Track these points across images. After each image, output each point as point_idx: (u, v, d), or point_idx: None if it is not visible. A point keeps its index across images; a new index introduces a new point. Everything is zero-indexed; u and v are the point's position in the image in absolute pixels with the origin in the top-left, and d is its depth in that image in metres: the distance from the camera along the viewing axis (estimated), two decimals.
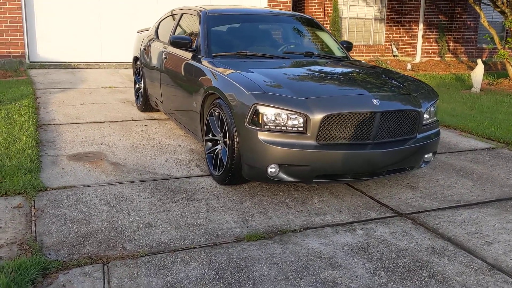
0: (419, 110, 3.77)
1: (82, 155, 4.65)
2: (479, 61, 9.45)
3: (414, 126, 3.78)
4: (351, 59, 5.05)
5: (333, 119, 3.46)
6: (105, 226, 3.17)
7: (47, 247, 2.89)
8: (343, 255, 2.91)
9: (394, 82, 4.11)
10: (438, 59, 14.39)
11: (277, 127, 3.47)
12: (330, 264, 2.80)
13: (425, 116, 3.89)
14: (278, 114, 3.46)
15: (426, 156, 3.91)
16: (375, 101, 3.55)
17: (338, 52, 5.12)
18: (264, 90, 3.57)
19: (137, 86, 6.82)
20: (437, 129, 4.06)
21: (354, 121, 3.50)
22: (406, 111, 3.68)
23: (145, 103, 6.49)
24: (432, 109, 4.00)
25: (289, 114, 3.45)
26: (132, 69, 7.21)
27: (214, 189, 3.89)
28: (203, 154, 4.74)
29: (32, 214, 3.30)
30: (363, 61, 5.15)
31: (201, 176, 4.20)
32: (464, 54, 14.61)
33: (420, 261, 2.88)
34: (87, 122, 5.99)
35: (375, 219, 3.46)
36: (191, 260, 2.79)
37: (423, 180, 4.34)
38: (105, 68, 10.52)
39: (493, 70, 13.69)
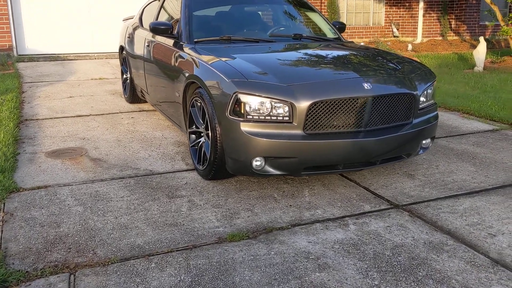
0: (415, 93, 3.50)
1: (62, 152, 4.42)
2: (481, 39, 9.11)
3: (410, 110, 3.51)
4: (343, 40, 4.76)
5: (321, 107, 3.19)
6: (76, 230, 2.94)
7: (12, 255, 2.66)
8: (332, 255, 2.67)
9: (387, 64, 3.83)
10: (440, 38, 14.00)
11: (260, 117, 3.21)
12: (318, 266, 2.56)
13: (422, 99, 3.62)
14: (262, 102, 3.20)
15: (423, 142, 3.65)
16: (366, 85, 3.28)
17: (329, 33, 4.83)
18: (245, 77, 3.31)
19: (124, 76, 6.57)
20: (435, 112, 3.79)
21: (344, 108, 3.23)
22: (400, 94, 3.41)
23: (132, 94, 6.24)
24: (429, 91, 3.72)
25: (273, 103, 3.19)
26: (119, 59, 6.94)
27: (198, 185, 3.65)
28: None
29: (0, 218, 3.08)
30: (358, 43, 4.86)
31: (186, 170, 3.96)
32: (467, 33, 14.21)
33: (416, 259, 2.64)
34: (72, 116, 5.75)
35: (369, 212, 3.22)
36: (166, 266, 2.56)
37: (422, 167, 4.08)
38: (95, 59, 10.26)
39: (497, 48, 13.31)
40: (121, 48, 6.61)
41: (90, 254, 2.67)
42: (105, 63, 9.98)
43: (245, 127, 3.20)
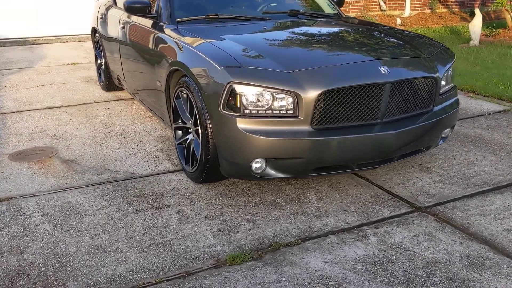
0: (435, 76, 3.02)
1: (29, 153, 3.85)
2: (477, 11, 8.66)
3: (431, 96, 3.05)
4: (344, 16, 4.24)
5: (332, 97, 2.70)
6: (44, 256, 2.43)
7: None
8: (356, 279, 2.22)
9: (401, 43, 3.34)
10: (429, 11, 13.53)
11: (260, 111, 2.71)
12: None
13: (442, 82, 3.15)
14: (261, 94, 2.69)
15: (444, 131, 3.20)
16: (383, 69, 2.79)
17: (328, 8, 4.30)
18: (240, 63, 2.79)
19: (98, 62, 5.95)
20: (456, 97, 3.33)
21: (358, 97, 2.75)
22: (420, 79, 2.94)
23: (108, 82, 5.64)
24: (450, 73, 3.25)
25: (274, 93, 2.69)
26: (92, 42, 6.30)
27: (188, 190, 3.15)
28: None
29: None
30: (359, 19, 4.34)
31: (173, 172, 3.45)
32: (456, 5, 13.76)
33: (456, 279, 2.21)
34: (41, 108, 5.15)
35: (389, 218, 2.77)
36: None
37: (438, 158, 3.64)
38: (67, 42, 9.53)
39: (487, 20, 12.89)
40: (94, 31, 5.98)
41: None
42: (78, 47, 9.27)
43: (242, 123, 2.70)
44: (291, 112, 2.70)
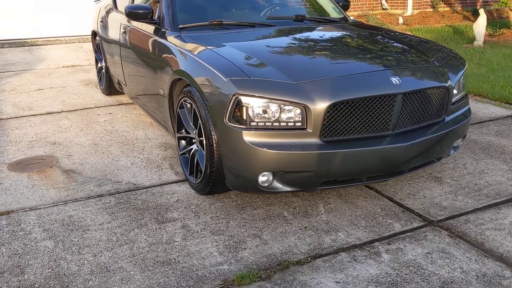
0: (447, 85, 2.94)
1: (28, 162, 3.77)
2: (481, 11, 8.56)
3: (442, 106, 2.96)
4: (350, 20, 4.15)
5: (342, 108, 2.61)
6: (45, 276, 2.35)
7: None
8: None
9: (411, 50, 3.24)
10: (431, 10, 13.41)
11: (267, 123, 2.62)
12: None
13: (454, 91, 3.06)
14: (268, 106, 2.60)
15: (456, 141, 3.12)
16: (395, 80, 2.70)
17: (333, 13, 4.20)
18: (246, 74, 2.70)
19: (99, 65, 5.85)
20: (467, 106, 3.25)
21: (368, 109, 2.66)
22: (433, 89, 2.85)
23: (109, 86, 5.55)
24: (462, 81, 3.16)
25: (282, 105, 2.60)
26: (92, 45, 6.20)
27: (192, 202, 3.07)
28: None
29: None
30: (365, 23, 4.24)
31: (176, 182, 3.36)
32: (458, 3, 13.64)
33: None
34: (41, 114, 5.06)
35: (400, 233, 2.69)
36: None
37: (448, 167, 3.56)
38: (67, 43, 9.42)
39: (490, 19, 12.78)
40: (94, 34, 5.88)
41: None
42: (78, 48, 9.17)
43: (248, 136, 2.61)
44: (299, 124, 2.61)
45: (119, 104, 5.40)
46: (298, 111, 2.60)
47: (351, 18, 4.28)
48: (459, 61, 3.25)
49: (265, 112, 2.61)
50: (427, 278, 2.29)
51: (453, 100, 3.06)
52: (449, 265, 2.38)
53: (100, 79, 5.87)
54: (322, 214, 2.90)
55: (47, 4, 9.37)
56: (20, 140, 4.27)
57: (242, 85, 2.62)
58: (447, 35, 10.02)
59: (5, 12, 9.08)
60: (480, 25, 8.53)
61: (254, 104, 2.60)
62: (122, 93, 5.62)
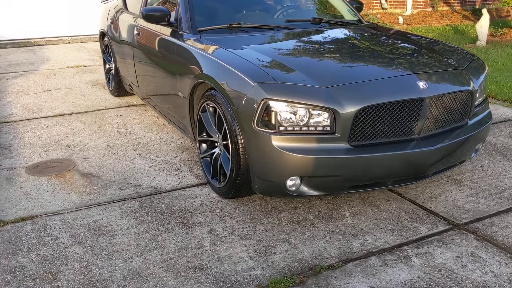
0: (471, 88, 2.96)
1: (46, 165, 3.75)
2: (484, 11, 8.61)
3: (466, 110, 2.98)
4: (365, 22, 4.16)
5: (370, 113, 2.63)
6: (78, 282, 2.34)
7: None
8: None
9: (434, 54, 3.26)
10: (430, 9, 13.47)
11: (295, 128, 2.62)
12: None
13: (476, 95, 3.09)
14: (296, 110, 2.61)
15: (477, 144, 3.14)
16: (421, 84, 2.72)
17: (349, 15, 4.21)
18: (275, 78, 2.70)
19: (107, 66, 5.83)
20: (488, 110, 3.28)
21: (396, 113, 2.67)
22: (457, 93, 2.87)
23: (118, 87, 5.53)
24: (483, 85, 3.19)
25: (310, 110, 2.61)
26: (99, 46, 6.17)
27: (217, 206, 3.07)
28: (196, 153, 3.89)
29: None
30: (380, 26, 4.26)
31: (197, 186, 3.36)
32: (457, 3, 13.71)
33: None
34: (52, 116, 5.04)
35: (428, 236, 2.70)
36: None
37: (466, 169, 3.58)
38: (70, 43, 9.37)
39: (490, 19, 12.85)
40: (102, 34, 5.85)
41: None
42: (81, 48, 9.13)
43: (276, 141, 2.62)
44: (327, 128, 2.62)
45: (129, 106, 5.38)
46: (327, 115, 2.61)
47: (370, 21, 4.29)
48: (479, 65, 3.28)
49: (293, 116, 2.62)
50: (459, 282, 2.31)
51: (475, 103, 3.08)
52: (480, 269, 2.40)
53: (108, 80, 5.84)
54: (347, 217, 2.92)
55: (49, 3, 9.30)
56: (34, 143, 4.25)
57: (270, 90, 2.62)
58: (448, 35, 10.06)
59: (7, 11, 9.01)
60: (483, 25, 8.58)
61: (282, 109, 2.61)
62: (131, 95, 5.61)
